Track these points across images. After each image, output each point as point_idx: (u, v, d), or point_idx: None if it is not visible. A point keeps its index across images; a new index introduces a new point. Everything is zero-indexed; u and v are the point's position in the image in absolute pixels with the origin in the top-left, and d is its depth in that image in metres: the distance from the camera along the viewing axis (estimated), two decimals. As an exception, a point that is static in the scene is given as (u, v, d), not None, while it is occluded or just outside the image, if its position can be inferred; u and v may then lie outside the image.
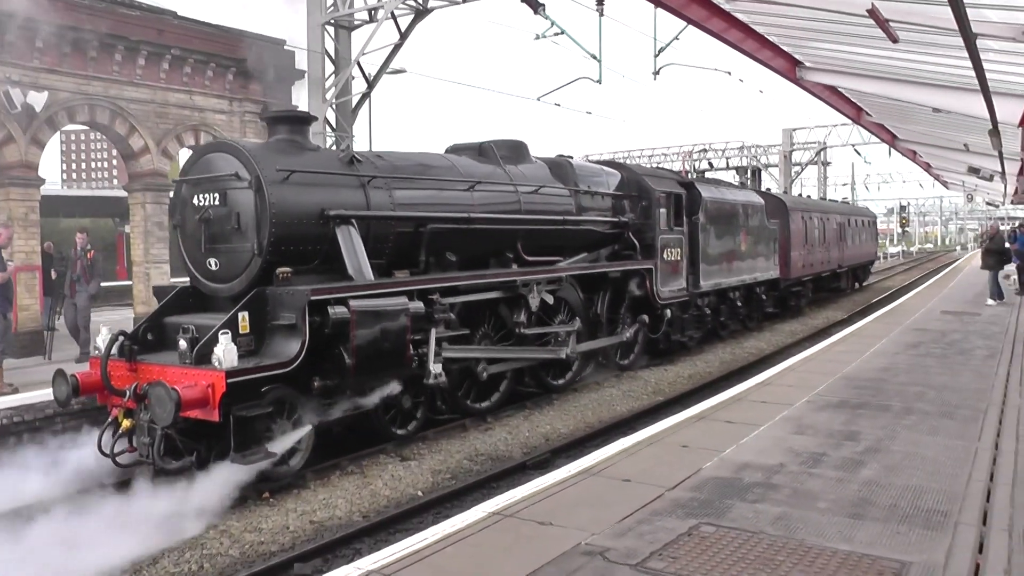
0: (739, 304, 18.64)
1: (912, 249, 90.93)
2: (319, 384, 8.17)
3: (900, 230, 69.33)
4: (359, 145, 18.61)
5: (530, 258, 11.59)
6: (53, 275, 14.47)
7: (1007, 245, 21.51)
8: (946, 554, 4.58)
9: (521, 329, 11.11)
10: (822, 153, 46.36)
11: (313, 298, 7.91)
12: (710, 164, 45.63)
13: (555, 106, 26.15)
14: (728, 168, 45.84)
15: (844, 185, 59.34)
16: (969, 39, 6.23)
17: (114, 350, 8.00)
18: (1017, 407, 8.31)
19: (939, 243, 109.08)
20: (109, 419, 8.00)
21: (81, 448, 8.13)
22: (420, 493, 8.11)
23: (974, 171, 19.99)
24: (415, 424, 9.79)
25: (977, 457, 6.49)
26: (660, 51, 20.59)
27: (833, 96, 14.73)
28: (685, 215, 15.56)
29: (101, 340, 8.23)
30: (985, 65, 7.34)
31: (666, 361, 15.17)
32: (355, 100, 18.81)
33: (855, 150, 46.15)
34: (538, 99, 20.97)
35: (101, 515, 7.00)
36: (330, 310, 8.02)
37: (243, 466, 7.36)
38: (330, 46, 17.79)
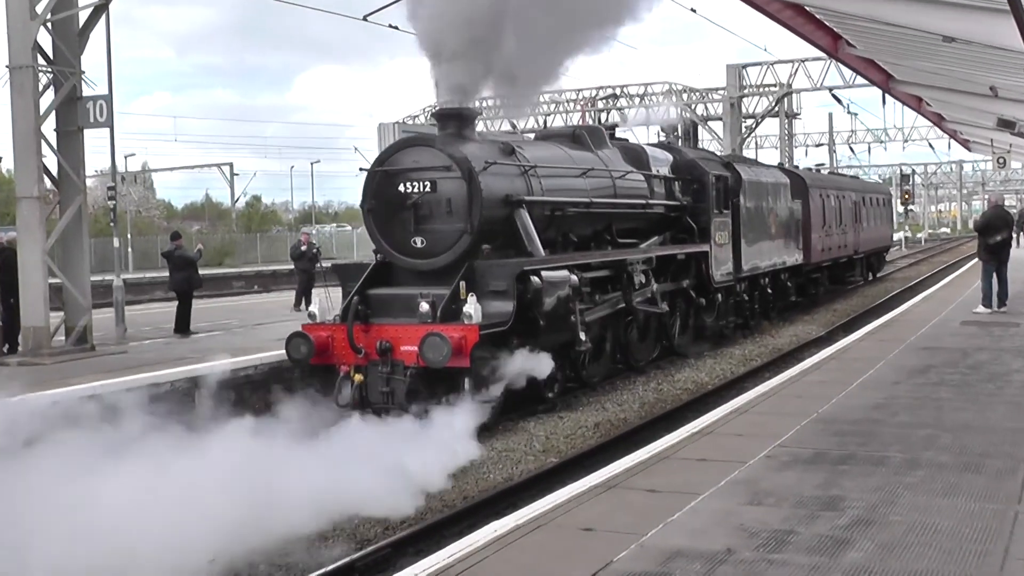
0: (769, 291, 22.91)
1: (920, 236, 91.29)
2: (518, 342, 12.32)
3: (902, 209, 67.50)
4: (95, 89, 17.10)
5: (620, 240, 16.20)
6: None
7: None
8: None
9: (634, 303, 15.80)
10: (786, 100, 46.18)
11: (525, 268, 12.42)
12: (622, 115, 44.34)
13: (390, 28, 21.32)
14: (650, 123, 44.97)
15: (819, 146, 59.47)
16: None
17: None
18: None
19: (958, 226, 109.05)
20: (341, 375, 12.18)
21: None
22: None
23: (1006, 125, 20.06)
24: (558, 387, 13.92)
25: (1017, 525, 6.41)
26: (546, -53, 19.46)
27: (800, 18, 14.52)
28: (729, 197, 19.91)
29: (316, 308, 12.96)
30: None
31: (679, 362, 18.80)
32: (84, 17, 16.83)
33: (833, 95, 46.48)
34: (365, 18, 19.84)
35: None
36: (532, 279, 12.37)
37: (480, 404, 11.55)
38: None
